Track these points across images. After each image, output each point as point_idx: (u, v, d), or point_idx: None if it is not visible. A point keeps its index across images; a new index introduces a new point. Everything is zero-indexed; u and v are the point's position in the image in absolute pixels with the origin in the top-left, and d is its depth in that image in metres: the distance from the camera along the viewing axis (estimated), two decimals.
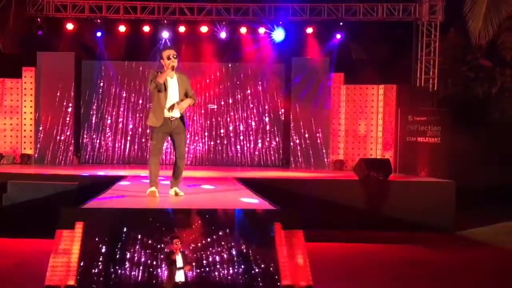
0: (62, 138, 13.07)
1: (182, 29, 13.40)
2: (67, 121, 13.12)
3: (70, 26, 13.18)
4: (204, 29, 13.41)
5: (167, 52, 6.25)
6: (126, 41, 13.63)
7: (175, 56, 6.20)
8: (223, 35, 13.46)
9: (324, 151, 13.29)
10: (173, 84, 6.34)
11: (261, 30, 13.52)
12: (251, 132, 13.94)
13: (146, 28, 13.37)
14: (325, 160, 13.28)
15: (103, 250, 4.74)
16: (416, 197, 9.87)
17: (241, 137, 13.92)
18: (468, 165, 12.39)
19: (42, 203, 8.50)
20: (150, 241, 4.84)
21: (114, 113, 13.78)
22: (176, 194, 6.53)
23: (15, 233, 8.16)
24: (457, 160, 11.86)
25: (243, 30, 13.53)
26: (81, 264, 4.63)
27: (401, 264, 7.30)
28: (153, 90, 6.28)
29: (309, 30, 13.52)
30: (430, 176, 11.28)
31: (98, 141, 13.74)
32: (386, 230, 9.34)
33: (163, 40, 13.35)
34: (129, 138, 13.77)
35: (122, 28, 13.33)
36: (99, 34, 13.35)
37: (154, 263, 4.75)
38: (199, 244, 4.87)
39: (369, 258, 7.64)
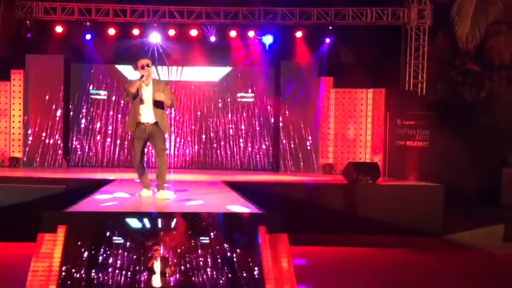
0: (51, 141, 13.01)
1: (171, 32, 13.34)
2: (56, 124, 13.06)
3: (59, 29, 13.09)
4: (193, 32, 13.37)
5: (141, 61, 6.46)
6: (116, 44, 13.55)
7: (149, 65, 6.42)
8: (212, 38, 13.42)
9: (313, 155, 13.29)
10: (147, 91, 6.49)
11: (251, 34, 13.50)
12: (240, 136, 13.91)
13: (136, 31, 13.29)
14: (315, 164, 13.28)
15: (85, 254, 4.71)
16: (405, 201, 9.89)
17: (231, 141, 13.90)
18: (456, 169, 12.44)
19: (28, 206, 8.43)
20: (133, 245, 4.82)
21: (103, 116, 13.72)
22: (163, 197, 6.60)
23: (1, 236, 8.10)
24: (446, 164, 11.91)
25: (233, 33, 13.48)
26: (63, 268, 4.59)
27: (389, 269, 7.30)
28: (126, 98, 6.64)
29: (299, 34, 13.50)
30: (419, 180, 11.29)
31: (87, 144, 13.67)
32: (374, 234, 9.35)
33: (152, 45, 13.32)
34: (118, 141, 13.72)
35: (111, 31, 13.27)
36: (88, 37, 13.24)
37: (137, 268, 4.72)
38: (182, 248, 4.85)
39: (357, 262, 7.64)
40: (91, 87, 13.75)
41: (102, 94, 13.65)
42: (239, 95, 13.94)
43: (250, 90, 13.98)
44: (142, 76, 6.37)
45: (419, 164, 11.75)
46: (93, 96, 13.63)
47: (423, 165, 11.72)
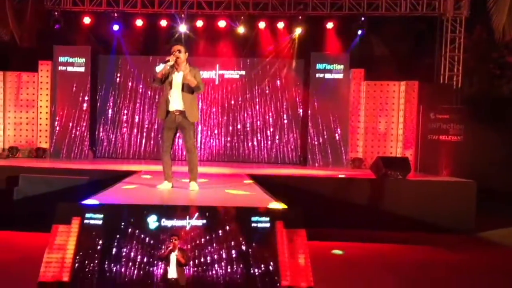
0: (78, 132, 13.03)
1: (199, 23, 13.19)
2: (83, 115, 13.07)
3: (87, 20, 13.11)
4: (222, 23, 13.20)
5: (173, 47, 6.49)
6: (143, 35, 13.48)
7: (179, 51, 6.44)
8: (241, 29, 13.23)
9: (342, 149, 12.98)
10: (178, 77, 6.52)
11: (280, 25, 13.26)
12: (268, 129, 13.70)
13: (163, 22, 13.21)
14: (344, 158, 12.97)
15: (99, 246, 4.60)
16: (436, 197, 9.58)
17: (258, 134, 13.70)
18: (491, 166, 11.97)
19: (52, 197, 8.41)
20: (146, 238, 4.69)
21: (130, 107, 13.70)
22: (195, 189, 6.65)
23: (25, 226, 8.12)
24: (480, 160, 11.47)
25: (262, 24, 13.28)
26: (76, 260, 4.50)
27: (414, 266, 7.02)
28: (152, 84, 6.58)
29: (330, 25, 13.19)
30: (452, 176, 10.91)
31: (113, 135, 13.68)
32: (403, 231, 9.11)
33: (180, 35, 13.19)
34: (145, 133, 13.68)
35: (139, 22, 13.20)
36: (116, 28, 13.22)
37: (150, 260, 4.60)
38: (197, 242, 4.70)
39: (383, 259, 7.39)
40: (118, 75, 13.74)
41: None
42: (266, 88, 13.71)
43: (278, 82, 13.72)
44: (167, 61, 6.35)
45: (452, 159, 11.38)
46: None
47: (456, 161, 11.35)
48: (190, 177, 6.76)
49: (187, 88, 6.48)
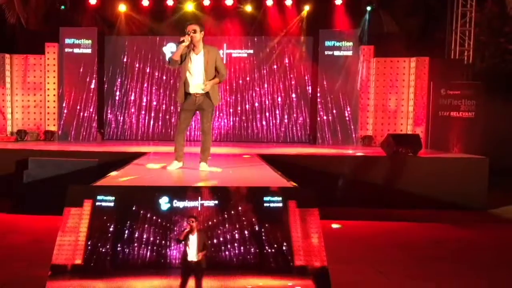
0: (86, 114, 13.01)
1: (206, 2, 13.07)
2: (91, 97, 13.03)
3: (92, 1, 13.02)
4: (229, 1, 13.05)
5: (188, 27, 6.14)
6: (150, 15, 13.37)
7: (194, 31, 6.11)
8: (248, 8, 13.07)
9: (352, 126, 12.89)
10: (198, 60, 6.24)
11: (288, 2, 13.10)
12: (277, 108, 13.62)
13: (170, 2, 13.09)
14: (353, 136, 12.89)
15: (111, 228, 4.58)
16: (447, 174, 9.47)
17: (267, 113, 13.62)
18: (504, 142, 11.85)
19: (62, 180, 8.40)
20: (159, 220, 4.66)
21: (137, 89, 13.65)
22: (206, 169, 6.53)
23: (35, 210, 8.13)
24: (492, 137, 11.34)
25: (269, 2, 13.12)
26: (89, 242, 4.48)
27: (425, 243, 6.98)
28: (169, 65, 6.31)
29: (338, 1, 13.03)
30: (463, 153, 10.81)
31: (121, 117, 13.66)
32: (414, 208, 9.05)
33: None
34: (153, 114, 13.64)
35: (145, 2, 13.10)
36: (122, 8, 13.10)
37: (163, 242, 4.56)
38: (210, 223, 4.66)
39: (394, 237, 7.34)
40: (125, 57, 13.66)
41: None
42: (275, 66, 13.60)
43: (287, 60, 13.59)
44: (182, 41, 6.06)
45: (464, 136, 11.28)
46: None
47: (468, 137, 11.25)
48: (201, 158, 6.63)
49: (209, 72, 6.24)
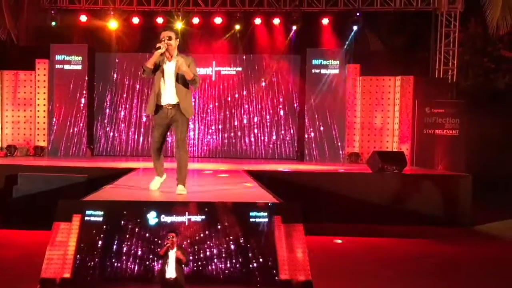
0: (75, 130, 13.05)
1: (196, 20, 13.24)
2: (81, 113, 13.08)
3: (83, 18, 13.14)
4: (218, 20, 13.24)
5: (163, 33, 5.80)
6: (140, 32, 13.49)
7: (170, 38, 5.74)
8: (237, 26, 13.28)
9: (339, 143, 13.04)
10: (170, 67, 5.82)
11: (276, 21, 13.31)
12: (265, 125, 13.76)
13: (160, 20, 13.23)
14: (340, 153, 13.04)
15: (100, 243, 4.66)
16: (432, 190, 9.66)
17: (255, 130, 13.76)
18: (488, 159, 12.06)
19: (51, 195, 8.44)
20: (147, 234, 4.74)
21: (127, 105, 13.73)
22: (183, 193, 5.97)
23: (24, 224, 8.17)
24: (477, 154, 11.53)
25: (258, 21, 13.33)
26: (77, 256, 4.56)
27: (411, 259, 7.10)
28: (143, 75, 5.87)
29: (325, 21, 13.26)
30: (448, 170, 10.99)
31: (111, 133, 13.72)
32: (400, 225, 9.16)
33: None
34: (142, 130, 13.71)
35: (135, 20, 13.24)
36: (112, 25, 13.24)
37: (151, 256, 4.65)
38: (196, 237, 4.75)
39: (380, 252, 7.45)
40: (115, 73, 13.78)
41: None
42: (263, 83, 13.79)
43: (275, 78, 13.78)
44: (158, 48, 5.65)
45: (448, 153, 11.43)
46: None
47: (453, 155, 11.39)
48: (177, 179, 6.04)
49: (181, 80, 5.77)
